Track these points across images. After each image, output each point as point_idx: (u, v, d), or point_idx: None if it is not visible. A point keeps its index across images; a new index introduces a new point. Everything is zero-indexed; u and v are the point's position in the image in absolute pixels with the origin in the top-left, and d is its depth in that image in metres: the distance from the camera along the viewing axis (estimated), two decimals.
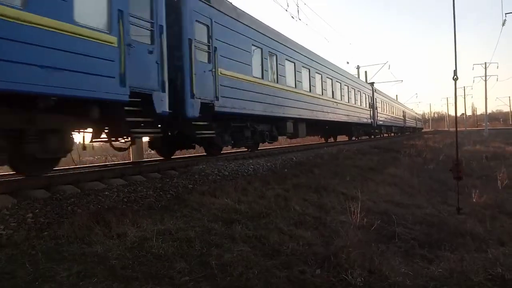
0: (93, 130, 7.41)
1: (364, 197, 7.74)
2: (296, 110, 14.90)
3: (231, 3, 11.37)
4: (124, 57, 6.81)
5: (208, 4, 9.77)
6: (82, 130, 7.40)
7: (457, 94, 8.09)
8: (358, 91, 26.10)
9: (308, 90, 16.51)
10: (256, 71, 12.11)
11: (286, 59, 14.34)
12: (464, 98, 77.06)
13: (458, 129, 8.45)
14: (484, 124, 59.26)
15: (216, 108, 9.79)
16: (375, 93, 31.32)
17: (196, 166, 8.70)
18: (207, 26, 9.68)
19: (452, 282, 3.91)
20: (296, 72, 15.27)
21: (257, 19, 12.78)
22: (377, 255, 4.41)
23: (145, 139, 10.80)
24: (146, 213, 5.05)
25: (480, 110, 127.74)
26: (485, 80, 55.17)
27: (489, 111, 63.28)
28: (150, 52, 7.57)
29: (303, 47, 16.76)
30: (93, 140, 7.69)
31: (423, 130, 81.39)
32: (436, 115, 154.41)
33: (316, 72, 17.68)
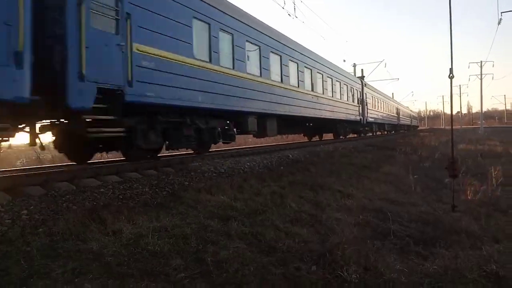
0: None
1: (359, 194, 7.78)
2: (261, 103, 12.41)
3: None
4: None
5: None
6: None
7: (453, 93, 8.12)
8: (345, 84, 23.40)
9: (280, 81, 14.01)
10: (200, 52, 9.48)
11: (247, 41, 11.71)
12: (460, 96, 77.61)
13: (453, 127, 8.47)
14: (479, 122, 59.57)
15: (128, 97, 7.16)
16: (365, 88, 28.93)
17: (192, 163, 8.69)
18: None
19: (446, 279, 3.93)
20: (262, 58, 12.68)
21: None
22: (372, 252, 4.42)
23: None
24: (141, 210, 5.04)
25: (475, 109, 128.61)
26: (481, 79, 55.51)
27: (484, 109, 63.70)
28: None
29: (272, 29, 14.17)
30: None
31: (418, 128, 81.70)
32: (432, 113, 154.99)
33: (291, 60, 15.10)
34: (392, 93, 60.22)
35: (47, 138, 7.56)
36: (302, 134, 22.88)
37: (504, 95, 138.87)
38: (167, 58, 8.21)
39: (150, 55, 7.75)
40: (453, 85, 7.88)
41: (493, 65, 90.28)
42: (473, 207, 7.49)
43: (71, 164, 8.67)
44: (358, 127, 27.99)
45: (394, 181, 10.46)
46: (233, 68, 10.95)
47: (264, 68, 12.78)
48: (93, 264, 3.47)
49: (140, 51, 7.49)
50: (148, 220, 4.60)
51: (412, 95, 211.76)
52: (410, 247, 5.08)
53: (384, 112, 37.43)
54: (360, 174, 10.56)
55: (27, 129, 6.46)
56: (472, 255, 4.64)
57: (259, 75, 12.42)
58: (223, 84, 10.29)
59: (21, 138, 6.66)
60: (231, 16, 11.05)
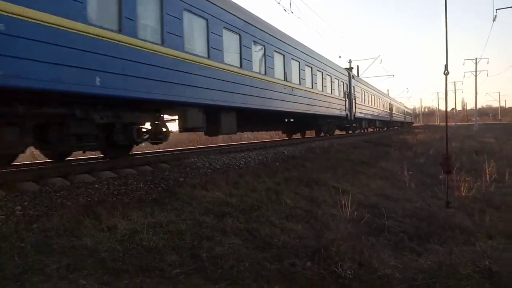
0: None
1: (355, 190, 7.80)
2: (209, 92, 9.70)
3: None
4: None
5: None
6: None
7: (448, 89, 8.14)
8: (328, 75, 20.52)
9: (238, 66, 11.20)
10: (100, 14, 6.75)
11: (186, 9, 8.86)
12: (455, 93, 78.06)
13: (448, 124, 8.50)
14: (474, 119, 59.90)
15: None
16: (352, 80, 26.08)
17: (188, 159, 8.68)
18: None
19: (440, 275, 3.95)
20: (212, 36, 9.86)
21: None
22: (367, 248, 4.44)
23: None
24: (136, 206, 5.03)
25: (470, 105, 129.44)
26: (476, 75, 55.83)
27: (479, 106, 64.10)
28: None
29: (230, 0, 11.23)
30: None
31: (413, 125, 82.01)
32: (426, 109, 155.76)
33: (255, 42, 12.31)
34: (388, 90, 60.44)
35: None
36: (280, 132, 20.60)
37: (499, 92, 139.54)
38: (33, 19, 5.46)
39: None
40: (448, 81, 7.90)
41: (488, 62, 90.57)
42: (467, 203, 7.54)
43: (66, 159, 8.62)
44: (345, 123, 25.25)
45: (390, 177, 10.50)
46: (163, 43, 8.12)
47: (214, 48, 9.99)
48: (88, 260, 3.46)
49: None
50: (143, 216, 4.59)
51: (407, 91, 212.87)
52: (404, 243, 5.11)
53: (375, 107, 35.18)
54: (356, 170, 10.59)
55: None
56: (466, 250, 4.67)
57: (206, 56, 9.71)
58: (143, 64, 7.53)
59: None
60: None
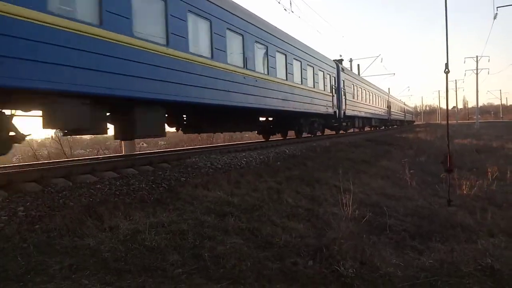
0: None
1: (356, 189, 7.79)
2: (128, 81, 6.99)
3: None
4: None
5: None
6: None
7: (449, 88, 8.13)
8: (310, 66, 17.12)
9: (165, 44, 7.95)
10: None
11: None
12: (456, 91, 77.92)
13: (449, 122, 8.50)
14: (475, 117, 59.81)
15: None
16: (342, 74, 22.56)
17: (189, 159, 8.68)
18: None
19: (442, 273, 3.96)
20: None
21: None
22: (368, 246, 4.45)
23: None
24: (138, 206, 5.04)
25: (471, 103, 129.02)
26: (477, 74, 55.73)
27: (480, 104, 64.05)
28: None
29: None
30: None
31: (414, 123, 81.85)
32: (428, 108, 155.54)
33: (200, 16, 9.22)
34: (389, 88, 60.18)
35: None
36: (256, 132, 17.59)
37: (500, 90, 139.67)
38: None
39: None
40: (449, 80, 7.90)
41: (489, 60, 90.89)
42: (468, 202, 7.54)
43: (67, 160, 8.63)
44: (332, 122, 21.91)
45: (391, 175, 10.49)
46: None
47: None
48: (90, 260, 3.47)
49: None
50: (145, 216, 4.60)
51: (409, 90, 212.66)
52: (406, 241, 5.11)
53: (371, 104, 31.83)
54: (357, 168, 10.58)
55: None
56: (468, 249, 4.67)
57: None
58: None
59: None
60: None
